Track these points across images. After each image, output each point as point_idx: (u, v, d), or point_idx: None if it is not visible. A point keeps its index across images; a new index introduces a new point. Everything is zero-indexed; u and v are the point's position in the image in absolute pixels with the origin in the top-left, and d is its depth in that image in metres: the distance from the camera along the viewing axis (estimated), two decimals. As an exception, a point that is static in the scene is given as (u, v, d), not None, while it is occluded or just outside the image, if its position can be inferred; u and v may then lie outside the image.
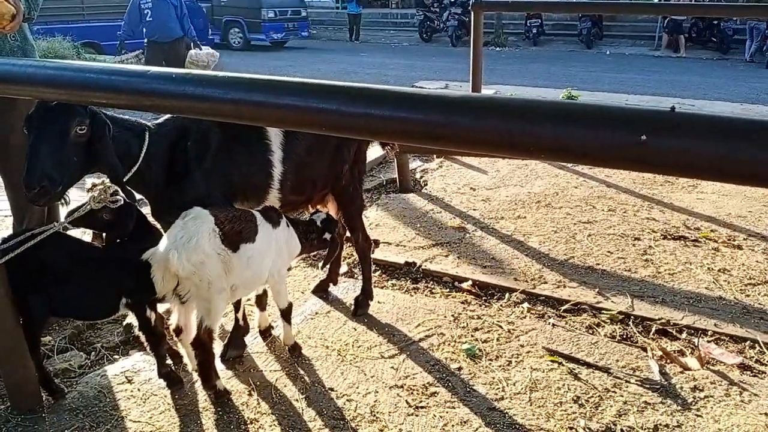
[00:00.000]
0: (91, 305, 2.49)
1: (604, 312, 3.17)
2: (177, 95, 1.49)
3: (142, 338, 2.53)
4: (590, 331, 3.04)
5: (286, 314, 2.78)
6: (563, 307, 3.24)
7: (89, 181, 2.43)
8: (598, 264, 3.71)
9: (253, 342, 2.94)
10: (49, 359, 2.82)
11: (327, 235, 2.89)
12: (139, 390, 2.61)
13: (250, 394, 2.58)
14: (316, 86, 1.33)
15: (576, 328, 3.05)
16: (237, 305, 2.75)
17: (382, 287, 3.52)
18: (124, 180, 2.35)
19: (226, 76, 1.45)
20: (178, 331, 2.49)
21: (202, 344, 2.37)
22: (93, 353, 2.91)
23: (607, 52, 17.80)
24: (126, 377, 2.69)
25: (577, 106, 1.13)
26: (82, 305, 2.48)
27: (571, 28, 19.66)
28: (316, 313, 3.22)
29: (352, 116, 1.28)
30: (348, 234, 3.28)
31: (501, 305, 3.30)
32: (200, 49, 8.11)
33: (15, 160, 3.12)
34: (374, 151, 5.33)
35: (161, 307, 2.58)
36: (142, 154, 2.39)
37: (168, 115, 2.54)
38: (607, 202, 4.67)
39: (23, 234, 2.31)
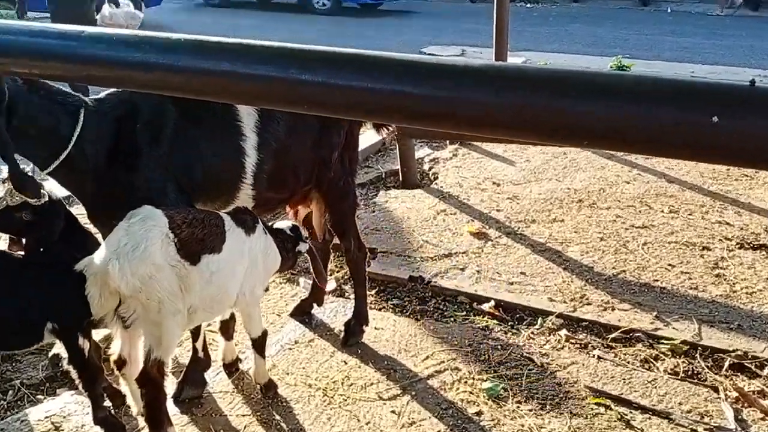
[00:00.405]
0: (7, 331, 2.48)
1: (664, 342, 3.18)
2: (118, 62, 1.49)
3: (73, 374, 2.53)
4: (646, 366, 3.04)
5: (259, 345, 2.78)
6: (611, 336, 3.25)
7: (4, 169, 2.43)
8: (656, 280, 3.72)
9: (216, 379, 2.94)
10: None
11: (301, 246, 2.90)
12: (69, 439, 2.61)
13: (211, 446, 2.58)
14: (296, 52, 1.33)
15: (628, 362, 3.06)
16: (196, 332, 2.75)
17: (380, 309, 3.53)
18: (49, 170, 2.34)
19: (183, 39, 1.45)
20: (121, 363, 2.48)
21: (150, 380, 2.37)
22: (11, 392, 2.91)
23: (668, 10, 17.84)
24: (53, 423, 2.69)
25: (628, 78, 1.13)
26: None
27: (623, -20, 19.71)
28: (296, 342, 3.23)
29: (342, 90, 1.28)
30: (337, 241, 3.29)
31: (532, 332, 3.31)
32: (116, 7, 7.92)
33: None
34: (370, 136, 5.35)
35: (98, 334, 2.58)
36: (74, 137, 2.36)
37: (111, 90, 2.53)
38: (668, 202, 4.69)
39: None
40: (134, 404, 2.61)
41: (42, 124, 2.32)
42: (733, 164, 1.12)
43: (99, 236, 2.69)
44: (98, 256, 2.26)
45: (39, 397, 2.88)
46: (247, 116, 2.67)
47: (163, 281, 2.27)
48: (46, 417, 2.72)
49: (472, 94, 1.16)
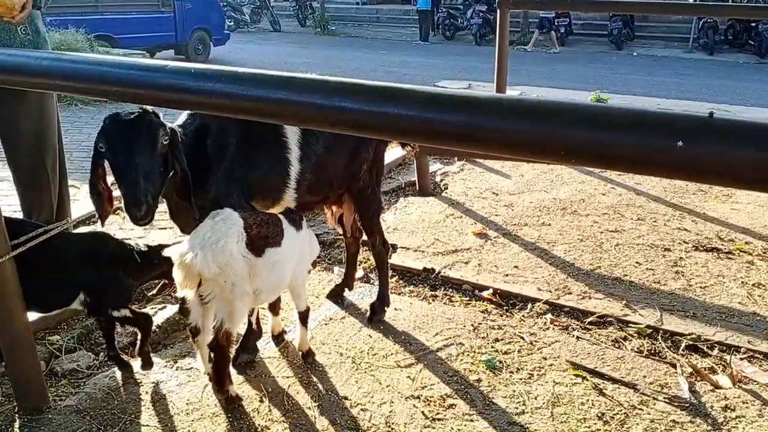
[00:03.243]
0: (50, 293, 2.57)
1: (632, 325, 3.16)
2: (195, 91, 1.51)
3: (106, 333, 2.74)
4: (616, 345, 3.02)
5: (303, 318, 2.81)
6: (588, 320, 3.23)
7: None
8: (626, 275, 3.68)
9: (266, 347, 2.96)
10: (57, 359, 2.87)
11: None
12: (148, 393, 2.64)
13: (261, 401, 2.60)
14: (338, 84, 1.34)
15: (601, 342, 3.04)
16: (251, 309, 2.78)
17: (399, 293, 3.53)
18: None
19: (246, 72, 1.47)
20: (196, 332, 2.51)
21: (219, 347, 2.40)
22: (102, 354, 2.94)
23: (638, 54, 17.67)
24: (135, 380, 2.72)
25: (610, 109, 1.13)
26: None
27: (601, 29, 19.53)
28: (331, 319, 3.24)
29: (375, 116, 1.29)
30: (365, 237, 3.30)
31: (523, 316, 3.29)
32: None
33: (24, 154, 3.18)
34: (393, 153, 5.37)
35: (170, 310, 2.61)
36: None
37: (185, 113, 2.57)
38: (637, 211, 4.64)
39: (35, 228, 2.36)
40: (203, 366, 2.63)
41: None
42: (694, 180, 1.12)
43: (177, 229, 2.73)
44: (185, 246, 2.29)
45: (124, 357, 2.91)
46: (292, 134, 2.70)
47: (237, 269, 2.31)
48: (129, 374, 2.76)
49: (484, 120, 1.16)
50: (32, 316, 2.59)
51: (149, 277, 2.81)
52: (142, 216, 2.17)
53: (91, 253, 2.63)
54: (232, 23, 20.92)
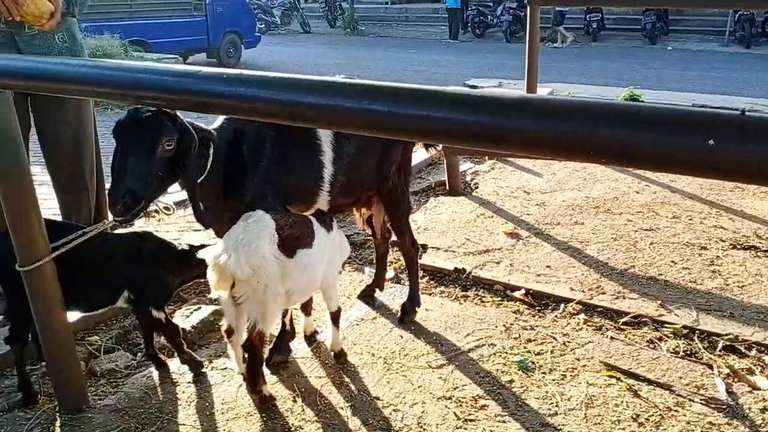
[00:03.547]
0: (95, 293, 2.64)
1: (667, 326, 3.11)
2: (227, 96, 1.54)
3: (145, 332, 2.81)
4: (651, 346, 2.98)
5: (335, 318, 2.84)
6: (622, 320, 3.19)
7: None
8: (661, 274, 3.63)
9: (298, 347, 2.99)
10: (96, 359, 2.94)
11: None
12: (184, 392, 2.69)
13: (294, 401, 2.63)
14: (368, 87, 1.36)
15: (636, 342, 3.00)
16: (285, 310, 2.81)
17: (429, 294, 3.54)
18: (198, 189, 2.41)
19: (277, 77, 1.49)
20: (230, 332, 2.55)
21: (253, 348, 2.43)
22: (139, 354, 3.00)
23: (673, 48, 17.35)
24: (172, 379, 2.78)
25: (639, 108, 1.12)
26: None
27: (634, 23, 19.23)
28: (362, 319, 3.26)
29: (403, 118, 1.30)
30: (394, 237, 3.31)
31: (556, 316, 3.27)
32: None
33: (64, 159, 3.27)
34: (422, 153, 5.35)
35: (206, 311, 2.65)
36: (209, 164, 2.44)
37: (222, 117, 2.61)
38: (672, 209, 4.57)
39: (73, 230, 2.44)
40: (237, 366, 2.67)
41: (196, 156, 2.37)
42: (726, 180, 1.11)
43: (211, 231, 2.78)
44: (218, 248, 2.33)
45: (161, 358, 2.97)
46: (324, 136, 2.72)
47: (269, 270, 2.33)
48: (166, 374, 2.82)
49: (513, 121, 1.17)
50: (72, 316, 2.66)
51: (190, 277, 2.85)
52: (116, 213, 2.23)
53: (134, 252, 2.69)
54: (262, 26, 21.16)
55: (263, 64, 15.35)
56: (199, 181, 2.40)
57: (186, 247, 2.75)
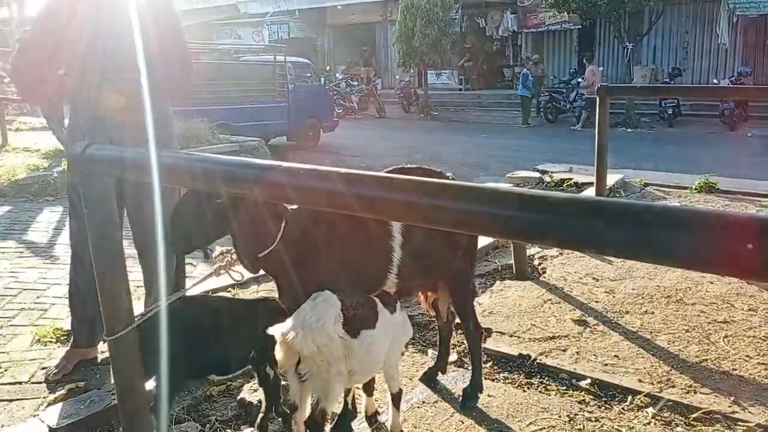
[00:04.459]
0: (228, 359, 2.84)
1: (740, 424, 2.96)
2: (305, 189, 1.68)
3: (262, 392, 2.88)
4: (724, 445, 2.84)
5: (396, 399, 2.87)
6: (693, 415, 3.06)
7: (218, 248, 2.70)
8: (735, 369, 3.48)
9: (359, 427, 3.02)
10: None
11: None
12: (249, 465, 2.76)
13: (353, 481, 2.64)
14: (432, 185, 1.46)
15: (708, 440, 2.87)
16: (347, 389, 2.87)
17: (492, 379, 3.51)
18: (261, 256, 2.60)
19: (349, 173, 1.62)
20: (294, 408, 2.62)
21: (315, 424, 2.49)
22: (207, 425, 3.10)
23: (753, 135, 16.92)
24: (238, 451, 2.85)
25: (699, 212, 1.13)
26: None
27: (711, 109, 18.94)
28: (423, 402, 3.26)
29: (465, 213, 1.39)
30: (458, 320, 3.34)
31: (623, 408, 3.18)
32: None
33: (151, 238, 3.52)
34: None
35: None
36: (279, 236, 2.62)
37: None
38: (748, 301, 4.40)
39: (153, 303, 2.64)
40: (299, 440, 2.73)
41: (260, 224, 2.61)
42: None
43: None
44: (287, 325, 2.44)
45: (227, 431, 3.06)
46: (395, 223, 2.83)
47: (333, 349, 2.42)
48: (233, 446, 2.90)
49: (558, 219, 1.23)
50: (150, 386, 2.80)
51: None
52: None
53: (256, 315, 2.87)
54: (340, 110, 22.09)
55: (340, 146, 15.95)
56: (269, 250, 2.59)
57: None
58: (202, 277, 2.71)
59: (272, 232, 2.61)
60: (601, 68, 20.84)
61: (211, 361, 2.82)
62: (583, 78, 19.57)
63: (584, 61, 21.92)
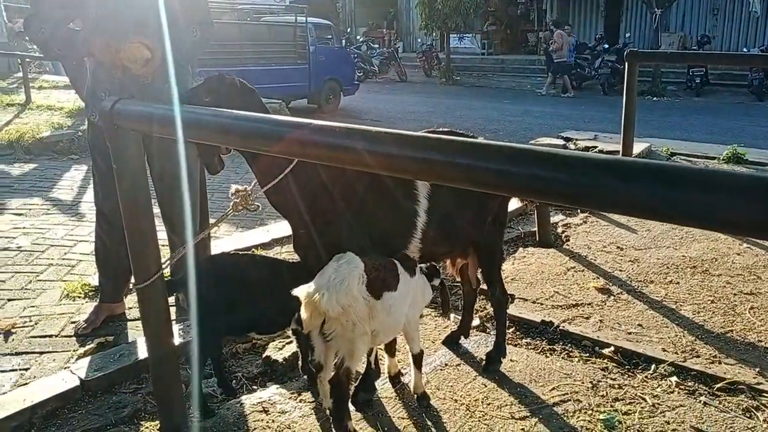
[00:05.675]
0: (278, 316, 2.87)
1: (765, 395, 2.96)
2: (339, 148, 1.67)
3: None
4: (747, 415, 2.84)
5: (417, 360, 2.89)
6: (717, 385, 3.06)
7: (233, 186, 2.71)
8: (761, 341, 3.46)
9: (382, 387, 3.06)
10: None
11: (434, 281, 3.05)
12: (274, 421, 2.81)
13: (377, 439, 2.68)
14: (463, 144, 1.44)
15: (731, 410, 2.87)
16: (370, 350, 2.89)
17: (515, 345, 3.53)
18: (271, 186, 2.62)
19: (380, 132, 1.61)
20: (319, 367, 2.66)
21: (339, 384, 2.53)
22: (233, 381, 3.16)
23: (783, 105, 16.54)
24: (263, 407, 2.90)
25: (732, 175, 1.12)
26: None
27: (740, 78, 18.54)
28: (446, 365, 3.29)
29: (499, 173, 1.37)
30: (483, 286, 3.34)
31: (646, 376, 3.18)
32: None
33: (175, 196, 3.55)
34: (513, 202, 5.37)
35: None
36: (288, 169, 2.59)
37: None
38: (776, 273, 4.35)
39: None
40: (325, 400, 2.77)
41: None
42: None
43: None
44: (311, 286, 2.46)
45: (254, 387, 3.11)
46: (422, 186, 2.80)
47: (358, 309, 2.45)
48: (258, 402, 2.95)
49: (603, 182, 1.21)
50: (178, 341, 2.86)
51: None
52: None
53: (300, 278, 2.89)
54: (361, 74, 21.89)
55: (361, 110, 15.86)
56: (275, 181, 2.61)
57: None
58: (222, 216, 2.73)
59: (280, 163, 2.59)
60: (572, 36, 20.73)
61: (258, 317, 2.83)
62: (553, 41, 19.35)
63: (551, 27, 21.44)
